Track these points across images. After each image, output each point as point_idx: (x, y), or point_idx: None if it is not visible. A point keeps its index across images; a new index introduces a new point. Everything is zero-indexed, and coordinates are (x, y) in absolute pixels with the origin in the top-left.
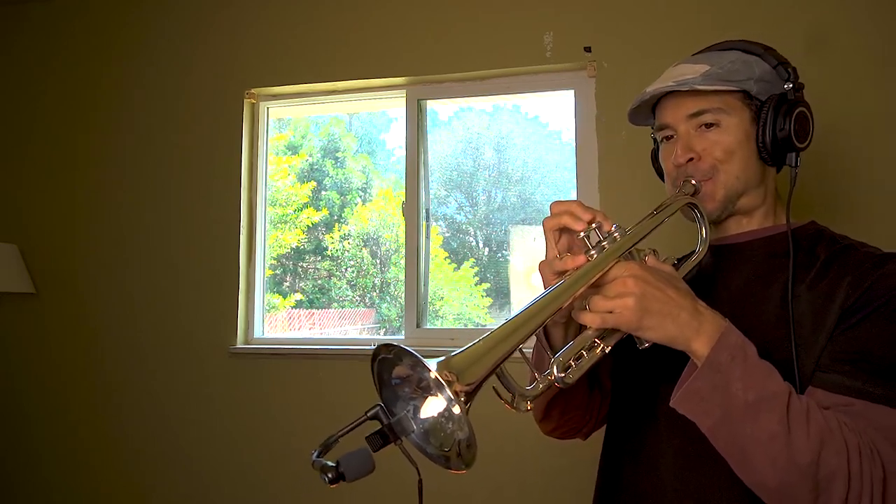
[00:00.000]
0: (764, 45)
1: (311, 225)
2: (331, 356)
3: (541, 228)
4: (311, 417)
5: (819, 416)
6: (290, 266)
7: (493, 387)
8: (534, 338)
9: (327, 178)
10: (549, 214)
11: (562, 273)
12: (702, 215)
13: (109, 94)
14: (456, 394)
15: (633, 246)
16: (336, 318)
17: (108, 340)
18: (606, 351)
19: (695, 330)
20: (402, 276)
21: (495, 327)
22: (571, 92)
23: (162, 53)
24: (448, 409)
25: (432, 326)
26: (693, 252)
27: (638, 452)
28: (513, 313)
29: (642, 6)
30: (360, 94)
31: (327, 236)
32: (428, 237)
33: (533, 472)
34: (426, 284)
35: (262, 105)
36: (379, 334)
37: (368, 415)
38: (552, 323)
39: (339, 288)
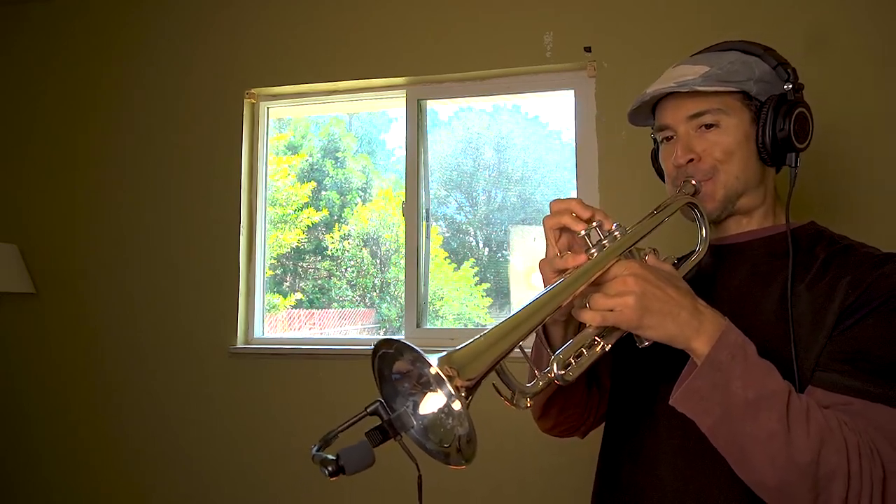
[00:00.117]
0: (763, 45)
1: (311, 225)
2: (331, 356)
3: (541, 228)
4: (311, 417)
5: (819, 415)
6: (290, 266)
7: (493, 383)
8: (534, 336)
9: (327, 178)
10: (549, 213)
11: (562, 271)
12: (702, 215)
13: (109, 94)
14: (457, 389)
15: (633, 245)
16: (336, 318)
17: (108, 340)
18: (606, 349)
19: (695, 329)
20: (402, 276)
21: (496, 324)
22: (571, 92)
23: (162, 53)
24: (448, 405)
25: (432, 326)
26: (693, 252)
27: (637, 451)
28: (513, 312)
29: (642, 6)
30: (360, 94)
31: (327, 236)
32: (428, 237)
33: (532, 469)
34: (426, 284)
35: (262, 105)
36: (379, 334)
37: (368, 410)
38: (552, 322)
39: (339, 288)
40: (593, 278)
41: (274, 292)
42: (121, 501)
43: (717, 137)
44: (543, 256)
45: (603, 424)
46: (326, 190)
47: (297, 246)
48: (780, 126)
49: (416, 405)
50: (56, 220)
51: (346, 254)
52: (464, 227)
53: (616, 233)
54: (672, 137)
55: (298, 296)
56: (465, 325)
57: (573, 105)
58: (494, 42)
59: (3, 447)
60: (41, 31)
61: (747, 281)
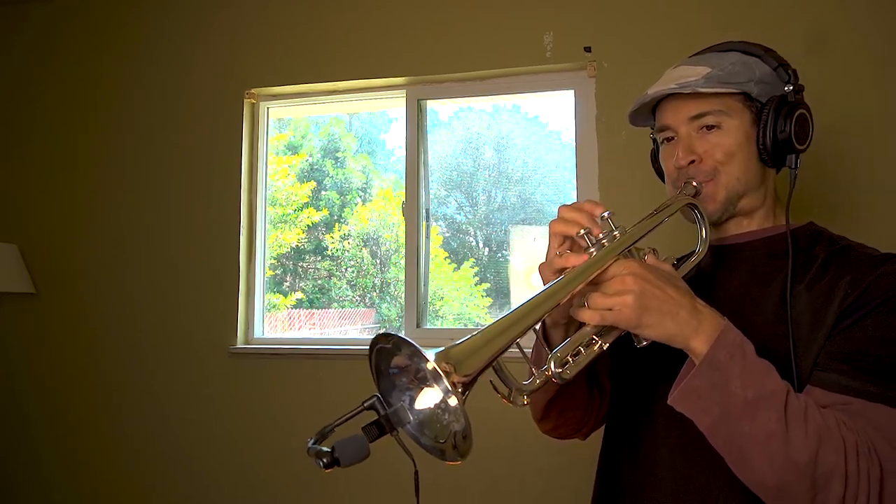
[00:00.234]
0: (764, 46)
1: (311, 225)
2: (331, 356)
3: (541, 228)
4: (311, 417)
5: (817, 415)
6: (290, 266)
7: (491, 381)
8: (533, 337)
9: (327, 178)
10: (558, 217)
11: (561, 271)
12: (702, 216)
13: (109, 94)
14: (453, 385)
15: (632, 244)
16: (336, 318)
17: (108, 340)
18: (604, 348)
19: (693, 328)
20: (402, 276)
21: (494, 321)
22: (571, 92)
23: (162, 53)
24: (444, 401)
25: (432, 326)
26: (693, 252)
27: (636, 451)
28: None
29: (642, 6)
30: (360, 94)
31: (327, 236)
32: (428, 237)
33: (531, 470)
34: (426, 284)
35: (262, 105)
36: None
37: (365, 405)
38: (552, 323)
39: (339, 288)
40: (592, 277)
41: (274, 292)
42: (121, 501)
43: (718, 139)
44: (543, 258)
45: (604, 426)
46: (326, 190)
47: (297, 246)
48: (781, 127)
49: (412, 400)
50: (56, 220)
51: (346, 254)
52: (464, 227)
53: (615, 232)
54: (673, 138)
55: (298, 296)
56: (465, 325)
57: (573, 105)
58: (494, 42)
59: (3, 447)
60: (41, 31)
61: (747, 281)
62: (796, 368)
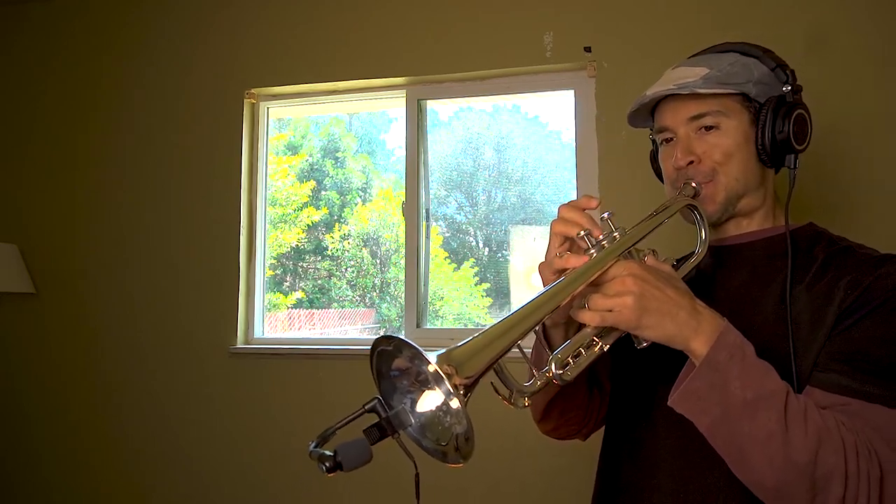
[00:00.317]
0: (762, 46)
1: (311, 225)
2: (331, 356)
3: (541, 228)
4: (311, 417)
5: (816, 416)
6: (290, 266)
7: (492, 382)
8: (534, 338)
9: (327, 178)
10: (558, 217)
11: (561, 271)
12: (701, 217)
13: (109, 94)
14: (455, 387)
15: (632, 245)
16: (336, 318)
17: (108, 340)
18: (605, 349)
19: (693, 329)
20: (402, 276)
21: (495, 323)
22: (571, 92)
23: (162, 53)
24: (446, 403)
25: (432, 326)
26: (692, 253)
27: (636, 452)
28: (512, 311)
29: (642, 6)
30: (360, 94)
31: (327, 236)
32: (428, 237)
33: (531, 471)
34: (426, 284)
35: (262, 105)
36: (379, 334)
37: (366, 408)
38: (552, 324)
39: (339, 288)
40: (592, 278)
41: (274, 292)
42: (121, 501)
43: (716, 139)
44: (543, 258)
45: (604, 426)
46: (326, 190)
47: (297, 246)
48: (780, 128)
49: (413, 402)
50: (56, 220)
51: (346, 254)
52: (464, 227)
53: (615, 233)
54: (672, 139)
55: (298, 296)
56: (465, 325)
57: (573, 105)
58: (494, 42)
59: (3, 447)
60: (41, 31)
61: (746, 282)
62: (796, 369)
